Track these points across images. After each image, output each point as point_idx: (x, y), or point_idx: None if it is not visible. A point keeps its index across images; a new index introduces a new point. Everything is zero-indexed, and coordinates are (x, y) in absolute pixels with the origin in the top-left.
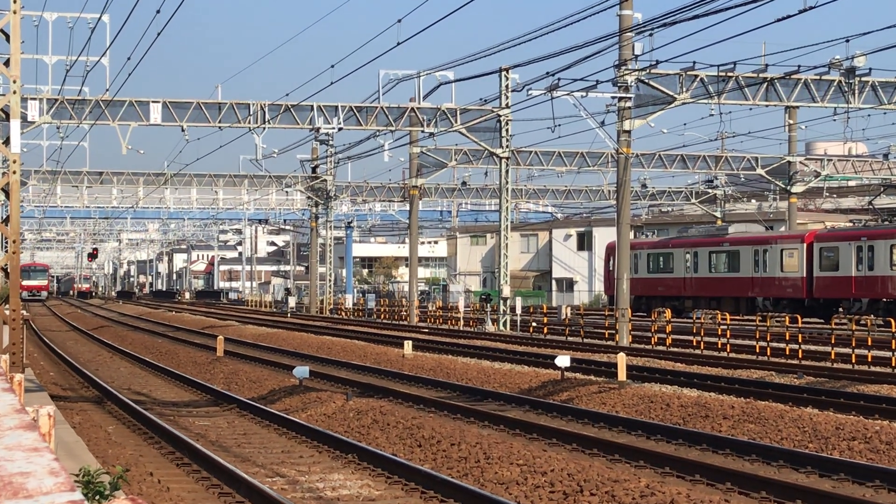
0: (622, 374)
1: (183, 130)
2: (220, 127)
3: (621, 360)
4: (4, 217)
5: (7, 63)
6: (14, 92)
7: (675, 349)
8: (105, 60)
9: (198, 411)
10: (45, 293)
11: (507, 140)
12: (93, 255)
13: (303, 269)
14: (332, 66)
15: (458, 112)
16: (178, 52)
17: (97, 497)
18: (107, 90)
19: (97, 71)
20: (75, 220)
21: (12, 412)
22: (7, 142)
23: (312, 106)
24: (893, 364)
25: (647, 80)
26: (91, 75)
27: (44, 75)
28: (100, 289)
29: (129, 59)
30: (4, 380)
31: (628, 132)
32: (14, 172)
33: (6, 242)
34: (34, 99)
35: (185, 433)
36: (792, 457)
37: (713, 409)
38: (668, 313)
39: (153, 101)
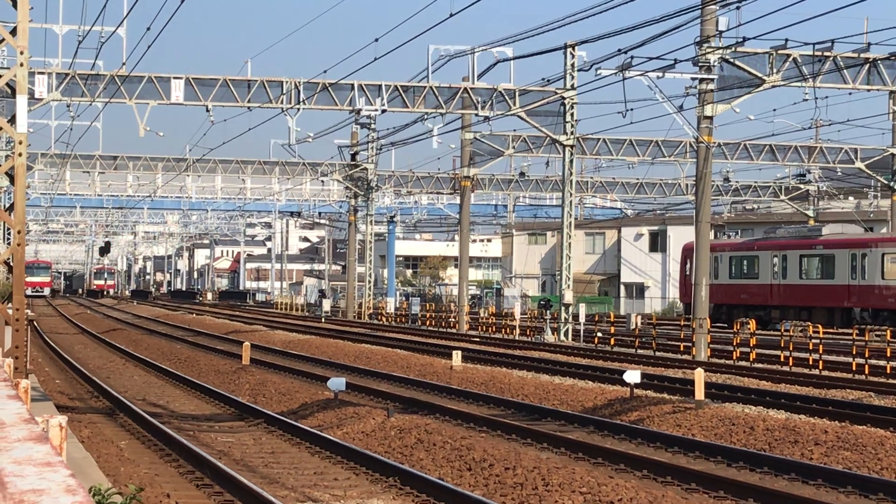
0: (700, 393)
1: (207, 110)
2: (249, 107)
3: (699, 376)
4: (8, 205)
5: (13, 32)
6: (21, 65)
7: (760, 365)
8: (121, 31)
9: (220, 426)
10: (48, 290)
11: (572, 126)
12: (105, 250)
13: (339, 268)
14: (376, 41)
15: (517, 93)
16: (203, 23)
17: None
18: (123, 64)
19: (112, 43)
20: (86, 209)
21: (20, 422)
22: (12, 120)
23: (353, 84)
24: None
25: (732, 60)
26: (106, 47)
27: (53, 47)
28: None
29: (148, 29)
30: (9, 386)
31: (710, 118)
32: (20, 155)
33: (9, 233)
34: (42, 73)
35: (207, 450)
36: (894, 490)
37: (803, 433)
38: (753, 324)
39: (175, 78)
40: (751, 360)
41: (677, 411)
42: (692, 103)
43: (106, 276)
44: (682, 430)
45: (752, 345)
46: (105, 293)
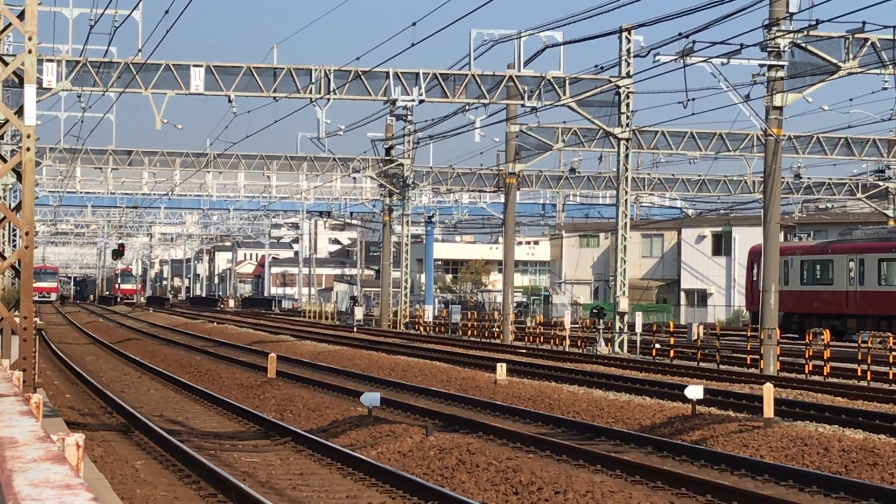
0: (768, 410)
1: (230, 101)
2: (274, 97)
3: (767, 392)
4: (15, 204)
5: (21, 16)
6: (29, 51)
7: (835, 380)
8: (137, 15)
9: (244, 445)
10: (54, 295)
11: (628, 117)
12: (118, 253)
13: (372, 273)
14: (414, 24)
15: (568, 82)
16: (225, 6)
17: None
18: (139, 51)
19: (127, 27)
20: (97, 209)
21: (35, 440)
22: (20, 112)
23: (388, 72)
24: None
25: (804, 45)
26: (120, 33)
27: (63, 32)
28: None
29: (166, 13)
30: (21, 401)
31: (780, 109)
32: (28, 149)
33: (16, 235)
34: (51, 60)
35: (230, 471)
36: None
37: (884, 455)
38: (827, 335)
39: (194, 65)
40: (824, 374)
41: (744, 430)
42: (760, 92)
43: (121, 279)
44: (750, 450)
45: (825, 357)
46: (125, 299)
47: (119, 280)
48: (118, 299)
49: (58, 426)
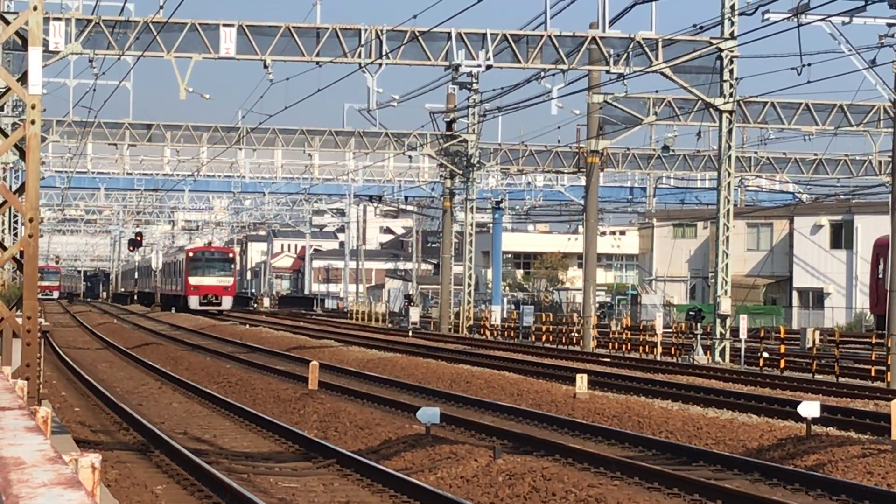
0: None
1: (265, 66)
2: (317, 62)
3: None
4: (18, 186)
5: None
6: (34, 8)
7: None
8: None
9: (282, 467)
10: (56, 293)
11: (732, 86)
12: (135, 243)
13: (430, 268)
14: None
15: (661, 44)
16: None
17: None
18: (160, 8)
19: None
20: (112, 192)
21: (44, 461)
22: (23, 79)
23: (450, 33)
24: None
25: None
26: None
27: None
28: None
29: None
30: (27, 415)
31: None
32: (33, 122)
33: (18, 222)
34: (59, 19)
35: (265, 498)
36: None
37: None
38: None
39: (224, 25)
40: None
41: (868, 454)
42: (888, 57)
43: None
44: (875, 478)
45: None
46: (208, 303)
47: (193, 268)
48: (196, 304)
49: (66, 444)
